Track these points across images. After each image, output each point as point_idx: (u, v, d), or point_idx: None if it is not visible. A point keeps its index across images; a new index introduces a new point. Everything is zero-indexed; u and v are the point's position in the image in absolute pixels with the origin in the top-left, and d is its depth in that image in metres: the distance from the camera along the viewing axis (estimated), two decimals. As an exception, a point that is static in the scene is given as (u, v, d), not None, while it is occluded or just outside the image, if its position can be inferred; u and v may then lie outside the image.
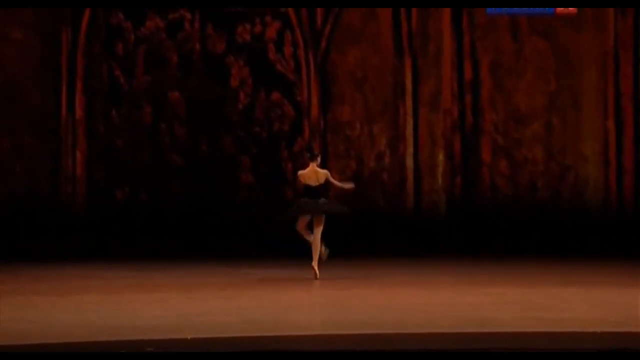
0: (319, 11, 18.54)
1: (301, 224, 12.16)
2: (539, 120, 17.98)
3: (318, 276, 12.02)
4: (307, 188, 12.09)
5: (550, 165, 17.92)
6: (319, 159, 12.24)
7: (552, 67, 17.88)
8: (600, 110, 17.57)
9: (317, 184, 12.08)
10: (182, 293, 11.00)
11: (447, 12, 18.05)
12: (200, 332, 8.24)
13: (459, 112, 18.10)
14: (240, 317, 9.12)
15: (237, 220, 18.42)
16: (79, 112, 18.21)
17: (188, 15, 18.59)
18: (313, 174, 12.09)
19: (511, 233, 17.50)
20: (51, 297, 10.71)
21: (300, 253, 16.15)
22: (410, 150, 18.22)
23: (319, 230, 12.05)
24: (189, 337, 7.98)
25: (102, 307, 9.86)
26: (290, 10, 18.54)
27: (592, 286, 11.59)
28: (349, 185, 12.61)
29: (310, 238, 12.14)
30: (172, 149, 18.62)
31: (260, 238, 17.99)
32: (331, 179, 12.17)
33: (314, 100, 18.60)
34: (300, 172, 12.25)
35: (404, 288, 11.64)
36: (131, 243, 17.44)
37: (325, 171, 12.17)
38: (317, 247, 12.08)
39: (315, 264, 12.08)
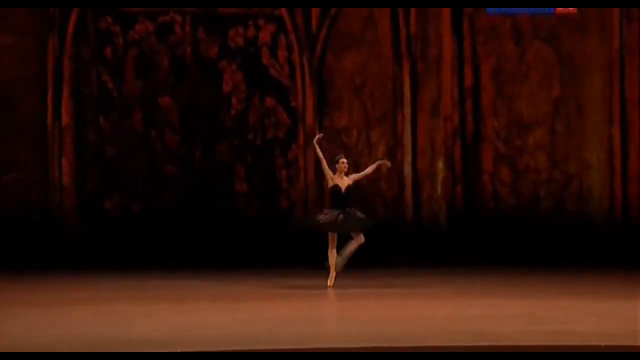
0: (314, 15, 18.63)
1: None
2: (542, 128, 18.06)
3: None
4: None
5: (554, 174, 18.00)
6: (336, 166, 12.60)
7: (556, 73, 17.96)
8: (605, 117, 17.66)
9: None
10: (175, 305, 11.07)
11: (447, 16, 18.13)
12: (194, 346, 8.31)
13: (460, 119, 18.19)
14: (236, 330, 9.20)
15: (232, 230, 18.50)
16: (65, 119, 18.26)
17: (179, 19, 18.66)
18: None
19: (513, 243, 17.58)
20: (41, 309, 10.79)
21: (296, 264, 16.24)
22: (409, 158, 18.31)
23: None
24: (180, 351, 8.06)
25: (93, 320, 9.94)
26: (285, 14, 18.63)
27: (598, 298, 11.67)
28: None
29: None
30: (164, 157, 18.69)
31: (255, 248, 18.06)
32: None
33: (310, 107, 18.69)
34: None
35: (403, 300, 11.74)
36: (123, 254, 17.50)
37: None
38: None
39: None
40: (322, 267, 12.42)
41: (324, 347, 8.29)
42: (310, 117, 18.68)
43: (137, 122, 18.67)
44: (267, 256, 17.49)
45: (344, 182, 12.44)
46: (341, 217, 12.22)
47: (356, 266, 12.85)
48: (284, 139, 18.87)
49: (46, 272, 15.14)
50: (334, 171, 12.53)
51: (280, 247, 18.21)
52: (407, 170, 18.24)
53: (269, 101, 18.88)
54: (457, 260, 16.88)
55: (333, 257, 12.34)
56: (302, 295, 12.11)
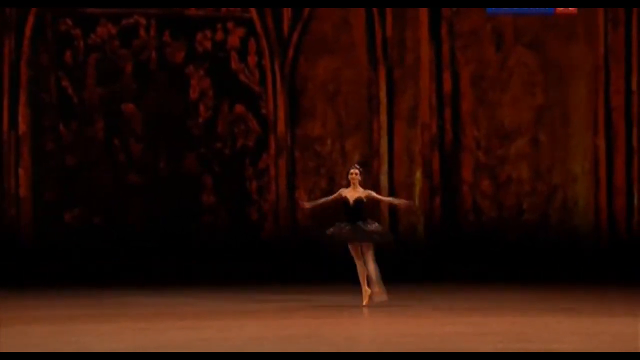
0: (286, 17, 18.66)
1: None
2: (524, 137, 18.14)
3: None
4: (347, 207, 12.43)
5: (537, 185, 18.08)
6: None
7: (539, 80, 18.05)
8: (590, 125, 17.75)
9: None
10: (138, 323, 11.05)
11: (424, 20, 18.19)
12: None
13: (438, 127, 18.24)
14: (203, 349, 9.18)
15: (199, 243, 18.47)
16: (22, 127, 18.20)
17: (143, 21, 18.65)
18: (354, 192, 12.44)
19: (494, 258, 17.64)
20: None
21: (266, 279, 16.23)
22: (384, 168, 18.35)
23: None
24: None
25: (51, 340, 9.90)
26: (255, 16, 18.65)
27: (583, 315, 11.72)
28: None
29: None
30: (128, 167, 18.66)
31: (223, 262, 18.05)
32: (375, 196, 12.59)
33: (281, 114, 18.71)
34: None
35: (378, 317, 11.75)
36: (83, 270, 17.45)
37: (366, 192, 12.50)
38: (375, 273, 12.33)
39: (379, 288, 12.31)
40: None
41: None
42: (281, 125, 18.70)
43: (99, 130, 18.63)
44: (236, 271, 17.47)
45: (355, 194, 12.44)
46: (347, 227, 12.29)
47: (328, 282, 12.85)
48: (254, 148, 18.87)
49: None
50: (347, 184, 12.56)
51: (249, 261, 18.19)
52: (383, 180, 18.28)
53: (239, 108, 18.89)
54: (435, 274, 16.91)
55: (362, 271, 12.37)
56: (271, 313, 12.10)
